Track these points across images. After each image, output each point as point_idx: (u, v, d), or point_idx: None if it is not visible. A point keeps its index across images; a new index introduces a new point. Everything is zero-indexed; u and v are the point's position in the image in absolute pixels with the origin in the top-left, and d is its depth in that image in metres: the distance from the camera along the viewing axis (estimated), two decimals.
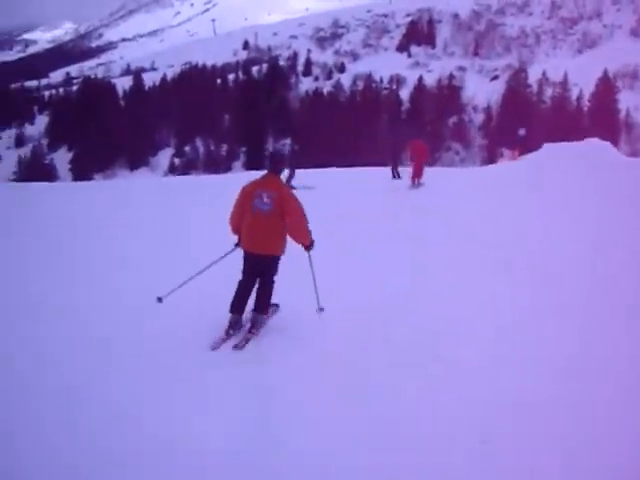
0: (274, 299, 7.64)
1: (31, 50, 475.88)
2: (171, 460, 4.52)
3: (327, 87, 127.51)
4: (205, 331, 7.21)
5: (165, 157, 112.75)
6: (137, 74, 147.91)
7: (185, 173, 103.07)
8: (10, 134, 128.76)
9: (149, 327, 7.32)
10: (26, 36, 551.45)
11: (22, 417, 5.05)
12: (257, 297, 7.51)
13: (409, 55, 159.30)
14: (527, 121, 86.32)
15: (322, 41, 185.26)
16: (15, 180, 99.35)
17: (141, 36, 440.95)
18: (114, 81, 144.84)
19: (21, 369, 5.93)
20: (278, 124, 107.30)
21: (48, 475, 4.29)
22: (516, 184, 18.24)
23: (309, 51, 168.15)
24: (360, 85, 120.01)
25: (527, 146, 30.39)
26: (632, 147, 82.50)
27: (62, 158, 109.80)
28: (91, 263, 10.61)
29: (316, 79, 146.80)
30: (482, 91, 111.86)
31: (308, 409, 5.38)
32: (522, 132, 34.72)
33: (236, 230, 7.59)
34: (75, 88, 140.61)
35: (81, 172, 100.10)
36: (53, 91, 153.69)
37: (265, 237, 7.26)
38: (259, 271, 7.48)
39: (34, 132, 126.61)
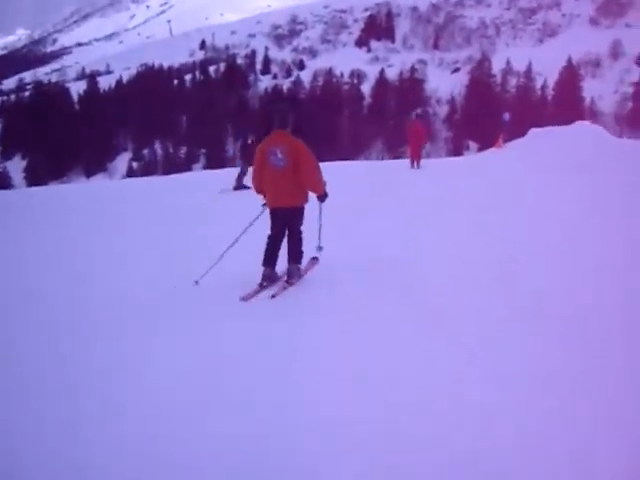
0: (313, 253, 8.12)
1: None
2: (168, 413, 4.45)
3: (286, 84, 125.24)
4: (240, 286, 7.39)
5: (123, 161, 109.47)
6: (91, 77, 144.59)
7: (143, 177, 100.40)
8: None
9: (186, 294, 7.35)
10: None
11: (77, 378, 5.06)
12: (288, 248, 7.82)
13: (369, 50, 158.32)
14: (492, 111, 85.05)
15: (280, 39, 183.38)
16: None
17: (97, 40, 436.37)
18: (68, 85, 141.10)
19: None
20: (238, 123, 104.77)
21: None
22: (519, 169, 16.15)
23: (267, 49, 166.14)
24: (320, 81, 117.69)
25: (500, 134, 28.23)
26: None
27: (17, 166, 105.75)
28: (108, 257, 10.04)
29: (275, 77, 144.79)
30: (444, 84, 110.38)
31: (322, 361, 5.06)
32: (506, 117, 32.09)
33: (260, 189, 7.86)
34: (28, 94, 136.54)
35: (36, 180, 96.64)
36: (5, 98, 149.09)
37: (285, 191, 7.52)
38: (285, 224, 7.74)
39: None
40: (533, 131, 22.71)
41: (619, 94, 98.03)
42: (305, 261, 7.98)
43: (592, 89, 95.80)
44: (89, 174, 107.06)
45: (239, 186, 18.24)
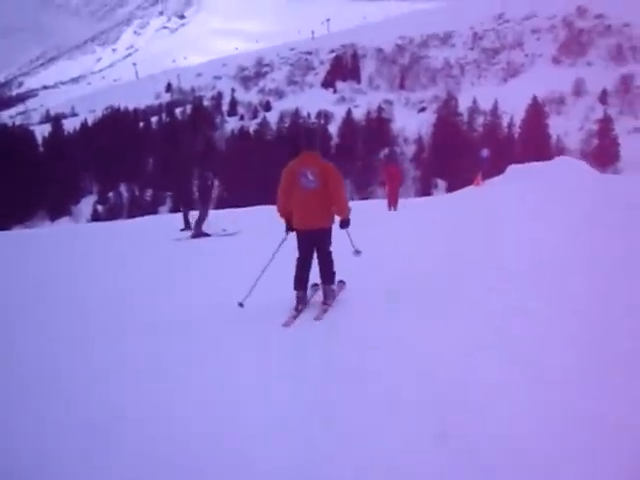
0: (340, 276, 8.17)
1: None
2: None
3: (253, 126, 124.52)
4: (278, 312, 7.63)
5: (88, 205, 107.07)
6: (56, 120, 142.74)
7: (109, 221, 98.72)
8: None
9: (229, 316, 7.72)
10: None
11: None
12: (321, 270, 7.92)
13: (335, 91, 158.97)
14: (459, 150, 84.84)
15: (246, 80, 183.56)
16: None
17: (63, 83, 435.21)
18: (33, 128, 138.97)
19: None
20: (204, 166, 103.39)
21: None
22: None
23: (233, 90, 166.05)
24: (287, 122, 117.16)
25: (479, 172, 27.18)
26: None
27: None
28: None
29: (242, 118, 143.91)
30: (411, 123, 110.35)
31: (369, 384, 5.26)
32: (485, 153, 30.82)
33: (286, 213, 7.85)
34: None
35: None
36: None
37: (317, 213, 7.61)
38: (315, 245, 7.82)
39: None
40: (512, 168, 21.83)
41: (584, 131, 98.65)
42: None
43: (557, 126, 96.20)
44: (53, 218, 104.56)
45: (198, 233, 17.37)
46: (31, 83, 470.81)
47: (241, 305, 7.79)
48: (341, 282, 8.50)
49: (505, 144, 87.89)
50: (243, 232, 17.71)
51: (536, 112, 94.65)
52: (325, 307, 7.72)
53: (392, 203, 22.07)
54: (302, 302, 7.84)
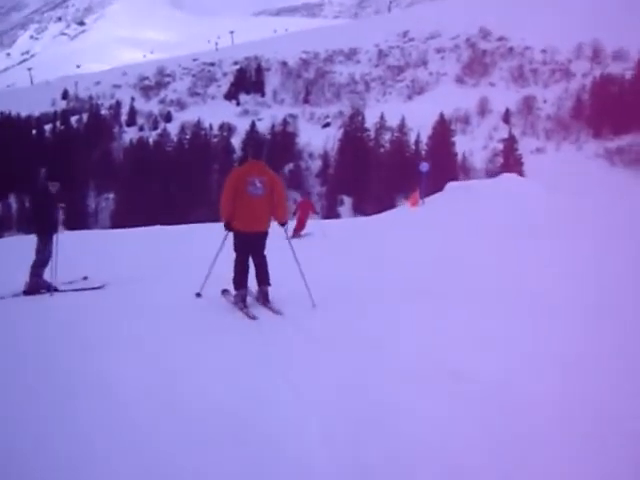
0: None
1: None
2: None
3: (153, 137, 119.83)
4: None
5: None
6: None
7: None
8: None
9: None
10: None
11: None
12: (260, 271, 8.66)
13: (238, 103, 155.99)
14: (366, 166, 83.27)
15: (147, 90, 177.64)
16: None
17: None
18: None
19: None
20: (100, 177, 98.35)
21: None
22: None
23: (133, 99, 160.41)
24: (188, 134, 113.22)
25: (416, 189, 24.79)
26: None
27: None
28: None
29: (141, 129, 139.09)
30: (315, 138, 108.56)
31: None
32: (425, 167, 27.78)
33: (229, 214, 8.40)
34: None
35: None
36: None
37: (262, 217, 8.43)
38: (255, 248, 8.61)
39: None
40: (451, 185, 19.45)
41: (489, 150, 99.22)
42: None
43: (462, 145, 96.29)
44: None
45: (33, 287, 10.92)
46: None
47: (199, 295, 8.93)
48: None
49: (412, 160, 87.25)
50: (118, 280, 11.84)
51: (443, 129, 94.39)
52: (270, 305, 8.44)
53: (297, 230, 22.76)
54: (245, 299, 8.49)
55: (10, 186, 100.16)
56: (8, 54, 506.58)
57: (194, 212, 55.47)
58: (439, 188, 25.88)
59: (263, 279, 8.59)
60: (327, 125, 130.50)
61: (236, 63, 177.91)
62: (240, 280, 8.48)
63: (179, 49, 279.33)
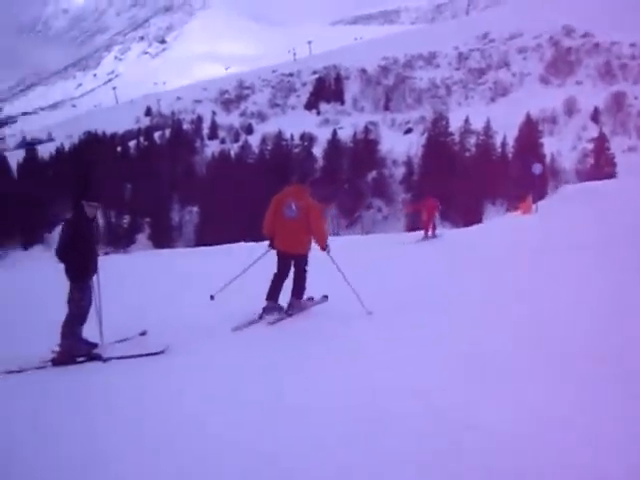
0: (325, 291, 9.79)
1: None
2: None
3: (234, 149, 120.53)
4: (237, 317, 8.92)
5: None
6: (30, 145, 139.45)
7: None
8: None
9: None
10: None
11: None
12: (293, 284, 9.23)
13: (318, 113, 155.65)
14: (452, 171, 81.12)
15: (227, 104, 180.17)
16: None
17: (42, 109, 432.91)
18: (7, 154, 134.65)
19: None
20: (184, 190, 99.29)
21: None
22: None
23: (214, 113, 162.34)
24: (269, 145, 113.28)
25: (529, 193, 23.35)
26: None
27: None
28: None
29: (223, 142, 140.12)
30: (397, 144, 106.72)
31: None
32: (538, 169, 25.91)
33: (269, 233, 9.20)
34: None
35: None
36: None
37: (293, 239, 8.93)
38: (290, 266, 9.14)
39: None
40: (565, 188, 17.60)
41: (578, 150, 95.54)
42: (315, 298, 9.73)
43: (550, 146, 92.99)
44: (26, 245, 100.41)
45: (68, 354, 7.97)
46: (10, 110, 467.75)
47: (212, 298, 9.11)
48: (324, 297, 9.86)
49: (499, 164, 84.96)
50: (186, 337, 8.70)
51: (530, 130, 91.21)
52: (284, 316, 8.99)
53: (427, 230, 23.36)
54: (267, 311, 8.98)
55: (96, 202, 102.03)
56: (94, 75, 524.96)
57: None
58: (537, 192, 24.23)
59: (293, 290, 9.25)
60: (409, 131, 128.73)
61: (315, 73, 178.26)
62: (269, 292, 9.08)
63: (258, 61, 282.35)
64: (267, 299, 8.94)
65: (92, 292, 8.41)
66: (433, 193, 26.62)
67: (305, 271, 9.13)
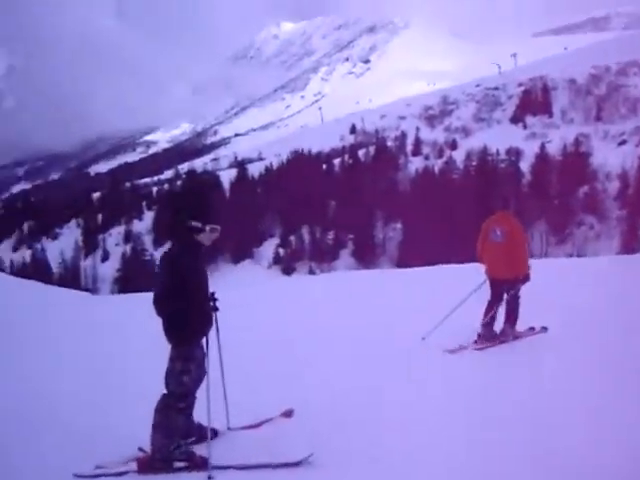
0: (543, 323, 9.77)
1: (152, 150, 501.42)
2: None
3: (438, 165, 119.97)
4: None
5: (270, 248, 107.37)
6: (241, 164, 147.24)
7: (290, 263, 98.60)
8: (120, 230, 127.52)
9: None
10: (147, 137, 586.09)
11: None
12: (506, 310, 9.44)
13: (524, 126, 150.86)
14: None
15: (431, 119, 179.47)
16: (119, 277, 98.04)
17: (254, 130, 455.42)
18: (220, 173, 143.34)
19: None
20: (387, 207, 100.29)
21: None
22: None
23: (418, 129, 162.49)
24: (474, 160, 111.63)
25: None
26: None
27: None
28: None
29: (426, 158, 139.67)
30: (611, 157, 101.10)
31: None
32: None
33: (480, 259, 9.68)
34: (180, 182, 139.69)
35: None
36: (165, 186, 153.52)
37: (501, 263, 9.09)
38: (503, 291, 9.28)
39: (142, 228, 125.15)
40: None
41: None
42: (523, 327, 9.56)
43: None
44: (236, 260, 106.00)
45: (171, 454, 6.16)
46: (225, 132, 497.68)
47: (423, 339, 9.50)
48: (543, 328, 9.71)
49: None
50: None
51: None
52: (496, 342, 9.13)
53: None
54: (481, 338, 9.23)
55: (302, 219, 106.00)
56: (302, 97, 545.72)
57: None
58: None
59: (505, 317, 9.48)
60: (623, 143, 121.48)
61: (520, 85, 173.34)
62: (484, 318, 9.41)
63: (461, 76, 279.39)
64: (482, 325, 9.31)
65: (206, 359, 6.15)
66: None
67: (518, 297, 9.22)
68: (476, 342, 9.20)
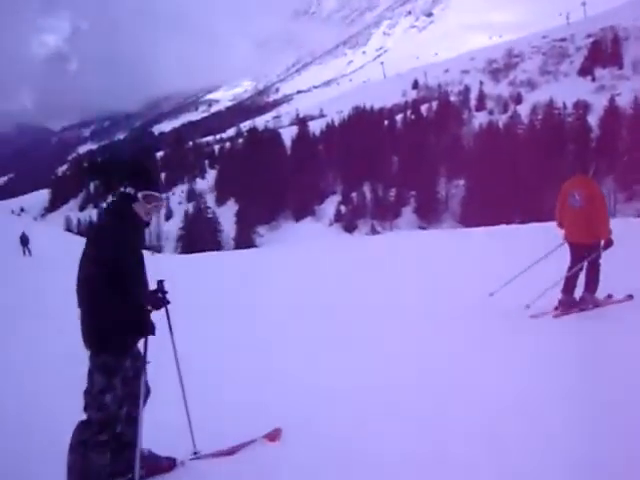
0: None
1: (214, 109, 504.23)
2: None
3: (503, 120, 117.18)
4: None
5: (331, 205, 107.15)
6: (302, 121, 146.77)
7: (352, 221, 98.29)
8: (183, 189, 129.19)
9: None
10: (209, 96, 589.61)
11: None
12: (586, 277, 8.93)
13: (593, 79, 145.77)
14: None
15: (495, 73, 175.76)
16: (182, 235, 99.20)
17: (315, 87, 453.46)
18: (282, 131, 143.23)
19: None
20: (450, 163, 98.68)
21: None
22: None
23: (482, 84, 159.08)
24: (540, 114, 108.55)
25: None
26: None
27: (230, 210, 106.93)
28: None
29: (491, 113, 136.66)
30: None
31: None
32: None
33: (560, 224, 9.30)
34: (242, 141, 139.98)
35: (246, 225, 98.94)
36: (222, 145, 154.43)
37: (580, 228, 8.74)
38: (582, 256, 8.79)
39: (204, 186, 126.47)
40: None
41: None
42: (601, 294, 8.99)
43: None
44: (298, 218, 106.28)
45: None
46: (286, 89, 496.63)
47: (491, 294, 9.46)
48: (629, 296, 9.14)
49: None
50: None
51: None
52: (573, 310, 8.79)
53: None
54: (562, 304, 8.90)
55: (363, 176, 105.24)
56: (364, 52, 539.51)
57: (547, 200, 51.67)
58: None
59: (585, 284, 8.96)
60: None
61: (589, 36, 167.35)
62: (563, 285, 8.99)
63: (527, 28, 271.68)
64: (562, 292, 8.88)
65: (144, 373, 4.42)
66: None
67: (599, 264, 8.74)
68: (556, 308, 8.82)
